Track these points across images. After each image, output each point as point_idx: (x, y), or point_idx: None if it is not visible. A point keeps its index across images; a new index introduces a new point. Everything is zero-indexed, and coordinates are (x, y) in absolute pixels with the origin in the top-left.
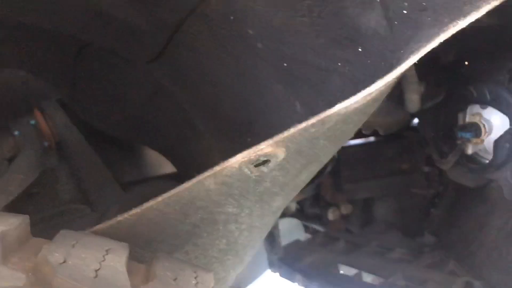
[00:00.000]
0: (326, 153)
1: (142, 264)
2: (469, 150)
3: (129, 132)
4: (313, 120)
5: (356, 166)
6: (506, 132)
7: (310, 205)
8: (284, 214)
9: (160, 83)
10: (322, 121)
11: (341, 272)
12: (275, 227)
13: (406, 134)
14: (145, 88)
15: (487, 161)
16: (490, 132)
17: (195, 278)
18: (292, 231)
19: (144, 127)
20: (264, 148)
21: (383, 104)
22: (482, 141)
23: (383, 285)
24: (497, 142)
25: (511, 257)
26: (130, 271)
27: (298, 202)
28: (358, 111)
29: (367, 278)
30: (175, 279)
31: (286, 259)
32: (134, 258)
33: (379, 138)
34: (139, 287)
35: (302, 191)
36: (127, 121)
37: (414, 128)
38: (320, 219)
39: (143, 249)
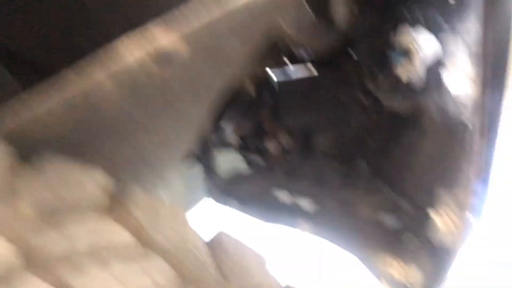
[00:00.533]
0: (239, 56)
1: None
2: (402, 74)
3: None
4: (217, 13)
5: (295, 98)
6: (436, 55)
7: (251, 138)
8: (224, 147)
9: None
10: (227, 14)
11: (279, 199)
12: (212, 157)
13: (344, 63)
14: None
15: (419, 85)
16: (422, 55)
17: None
18: (232, 164)
19: None
20: (159, 36)
21: (309, 20)
22: (415, 64)
23: (317, 210)
24: (428, 65)
25: (437, 177)
26: None
27: (239, 135)
28: (267, 7)
29: (304, 204)
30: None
31: (225, 188)
32: None
33: (317, 68)
34: None
35: (240, 124)
36: None
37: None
38: (261, 152)
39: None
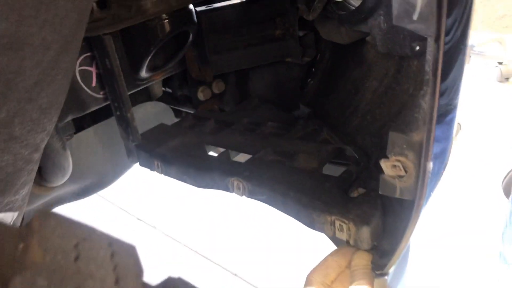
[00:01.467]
0: None
1: None
2: None
3: None
4: None
5: (223, 34)
6: None
7: (178, 86)
8: (148, 98)
9: None
10: None
11: (209, 156)
12: (129, 111)
13: None
14: None
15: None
16: None
17: None
18: (159, 117)
19: None
20: None
21: None
22: None
23: (253, 166)
24: None
25: (383, 119)
26: None
27: (165, 84)
28: None
29: (236, 157)
30: None
31: (146, 145)
32: None
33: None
34: None
35: (159, 66)
36: None
37: None
38: (190, 100)
39: None
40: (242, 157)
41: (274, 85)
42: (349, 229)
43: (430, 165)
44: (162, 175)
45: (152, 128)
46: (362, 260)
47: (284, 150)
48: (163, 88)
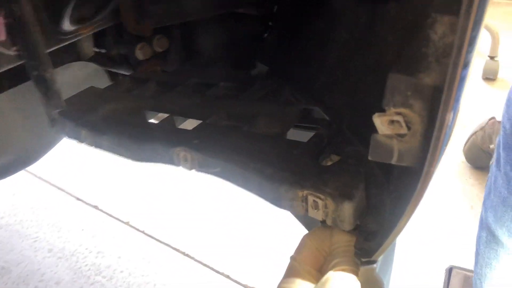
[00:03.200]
0: None
1: None
2: None
3: None
4: None
5: None
6: None
7: (113, 43)
8: (77, 58)
9: None
10: None
11: (150, 123)
12: (48, 70)
13: None
14: None
15: None
16: None
17: None
18: (90, 80)
19: None
20: None
21: None
22: None
23: (199, 129)
24: None
25: (357, 74)
26: None
27: (98, 44)
28: None
29: (183, 124)
30: None
31: (72, 113)
32: None
33: None
34: None
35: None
36: None
37: None
38: (127, 61)
39: None
40: (190, 125)
41: (226, 41)
42: (325, 206)
43: (450, 116)
44: (92, 147)
45: (80, 92)
46: (342, 237)
47: (241, 114)
48: (95, 49)
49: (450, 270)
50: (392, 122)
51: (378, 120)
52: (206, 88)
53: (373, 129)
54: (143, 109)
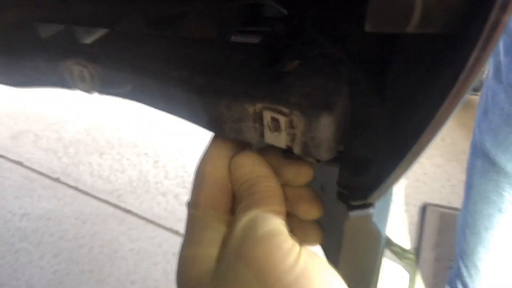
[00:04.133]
0: None
1: None
2: None
3: None
4: None
5: None
6: None
7: None
8: None
9: None
10: None
11: (41, 34)
12: None
13: None
14: None
15: None
16: None
17: None
18: None
19: None
20: None
21: None
22: None
23: (103, 39)
24: None
25: None
26: None
27: None
28: None
29: (89, 38)
30: None
31: None
32: None
33: None
34: None
35: None
36: None
37: None
38: None
39: None
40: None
41: None
42: (291, 124)
43: None
44: None
45: None
46: (241, 169)
47: (162, 16)
48: None
49: (424, 208)
50: None
51: None
52: None
53: (348, 22)
54: (35, 21)
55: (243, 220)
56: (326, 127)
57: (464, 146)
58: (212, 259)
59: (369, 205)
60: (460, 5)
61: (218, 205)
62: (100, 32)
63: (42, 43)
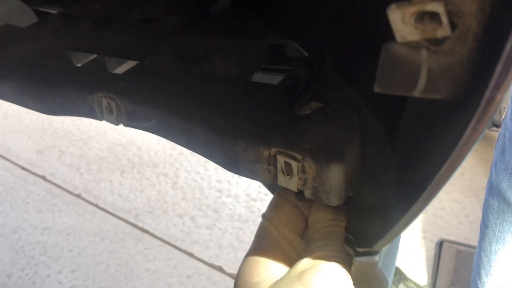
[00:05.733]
0: None
1: None
2: None
3: None
4: None
5: None
6: None
7: None
8: None
9: None
10: None
11: (78, 65)
12: None
13: None
14: None
15: None
16: None
17: None
18: (13, 18)
19: None
20: None
21: None
22: None
23: (132, 71)
24: None
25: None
26: None
27: None
28: None
29: (119, 67)
30: None
31: None
32: None
33: None
34: None
35: None
36: None
37: None
38: None
39: None
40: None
41: None
42: (303, 170)
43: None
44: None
45: None
46: (324, 214)
47: (190, 51)
48: None
49: (440, 244)
50: (422, 17)
51: (398, 15)
52: (149, 23)
53: (366, 66)
54: (68, 50)
55: (317, 254)
56: (336, 174)
57: (483, 182)
58: (274, 270)
59: (375, 252)
60: (463, 75)
61: (289, 224)
62: (130, 63)
63: (74, 72)
